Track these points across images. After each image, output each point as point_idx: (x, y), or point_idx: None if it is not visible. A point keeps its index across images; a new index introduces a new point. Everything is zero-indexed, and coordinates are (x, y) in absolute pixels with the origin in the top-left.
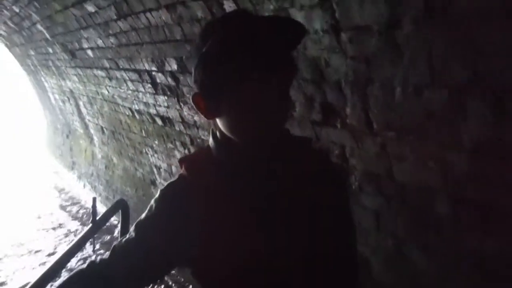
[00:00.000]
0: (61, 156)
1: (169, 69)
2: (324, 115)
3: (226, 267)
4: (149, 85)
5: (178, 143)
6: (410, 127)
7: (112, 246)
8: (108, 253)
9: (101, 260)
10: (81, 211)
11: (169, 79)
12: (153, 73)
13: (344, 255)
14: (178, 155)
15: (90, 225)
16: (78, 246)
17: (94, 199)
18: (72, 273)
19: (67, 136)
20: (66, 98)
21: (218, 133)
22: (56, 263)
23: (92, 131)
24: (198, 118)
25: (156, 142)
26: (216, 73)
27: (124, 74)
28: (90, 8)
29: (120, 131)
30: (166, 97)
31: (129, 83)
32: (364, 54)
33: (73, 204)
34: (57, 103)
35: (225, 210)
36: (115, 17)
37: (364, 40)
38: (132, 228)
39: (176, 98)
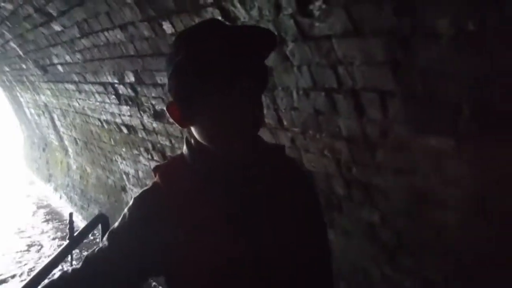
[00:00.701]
0: (38, 169)
1: (128, 81)
2: None
3: (202, 274)
4: (113, 96)
5: (142, 149)
6: (308, 123)
7: (85, 256)
8: (81, 263)
9: (73, 270)
10: (56, 220)
11: (129, 90)
12: (116, 85)
13: (321, 254)
14: (143, 160)
15: (67, 241)
16: (53, 264)
17: (71, 215)
18: (43, 285)
19: (44, 150)
20: (41, 112)
21: (192, 141)
22: (30, 281)
23: (66, 143)
24: (156, 125)
25: (124, 149)
26: (190, 83)
27: (92, 87)
28: (57, 27)
29: (92, 141)
30: (128, 107)
31: (96, 95)
32: (267, 64)
33: (50, 214)
34: (33, 117)
35: (200, 216)
36: (78, 35)
37: None
38: (105, 237)
39: (137, 107)
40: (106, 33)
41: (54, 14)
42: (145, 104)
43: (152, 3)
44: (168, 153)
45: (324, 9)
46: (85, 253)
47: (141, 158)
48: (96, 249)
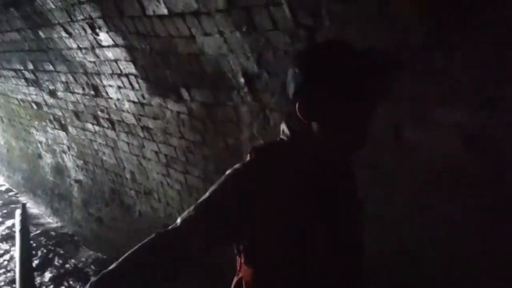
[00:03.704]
0: None
1: (30, 68)
2: (95, 91)
3: (280, 251)
4: (23, 79)
5: (47, 121)
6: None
7: (181, 219)
8: (178, 222)
9: (168, 231)
10: None
11: (32, 75)
12: (23, 71)
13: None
14: (49, 130)
15: (20, 232)
16: (27, 253)
17: (24, 206)
18: (140, 245)
19: None
20: None
21: (299, 130)
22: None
23: None
24: (52, 100)
25: (36, 122)
26: (329, 93)
27: (8, 73)
28: None
29: (14, 118)
30: (33, 88)
31: (12, 79)
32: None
33: None
34: None
35: (287, 197)
36: None
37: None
38: (202, 200)
39: (38, 88)
40: (9, 34)
41: None
42: (43, 85)
43: (30, 19)
44: (63, 122)
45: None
46: None
47: (47, 128)
48: (191, 212)
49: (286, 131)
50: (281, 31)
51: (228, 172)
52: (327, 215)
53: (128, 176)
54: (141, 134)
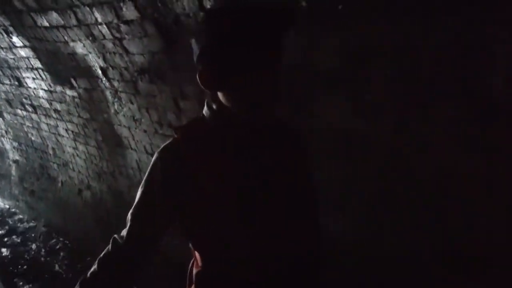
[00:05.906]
0: None
1: None
2: (18, 82)
3: (212, 215)
4: None
5: None
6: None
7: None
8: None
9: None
10: None
11: None
12: None
13: (307, 208)
14: None
15: None
16: None
17: None
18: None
19: None
20: None
21: (214, 105)
22: None
23: None
24: None
25: None
26: (229, 57)
27: None
28: None
29: None
30: None
31: None
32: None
33: None
34: None
35: (215, 167)
36: None
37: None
38: (139, 190)
39: None
40: None
41: None
42: None
43: None
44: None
45: None
46: None
47: None
48: (133, 206)
49: (205, 107)
50: (108, 40)
51: (153, 159)
52: (249, 184)
53: (51, 152)
54: (54, 116)
